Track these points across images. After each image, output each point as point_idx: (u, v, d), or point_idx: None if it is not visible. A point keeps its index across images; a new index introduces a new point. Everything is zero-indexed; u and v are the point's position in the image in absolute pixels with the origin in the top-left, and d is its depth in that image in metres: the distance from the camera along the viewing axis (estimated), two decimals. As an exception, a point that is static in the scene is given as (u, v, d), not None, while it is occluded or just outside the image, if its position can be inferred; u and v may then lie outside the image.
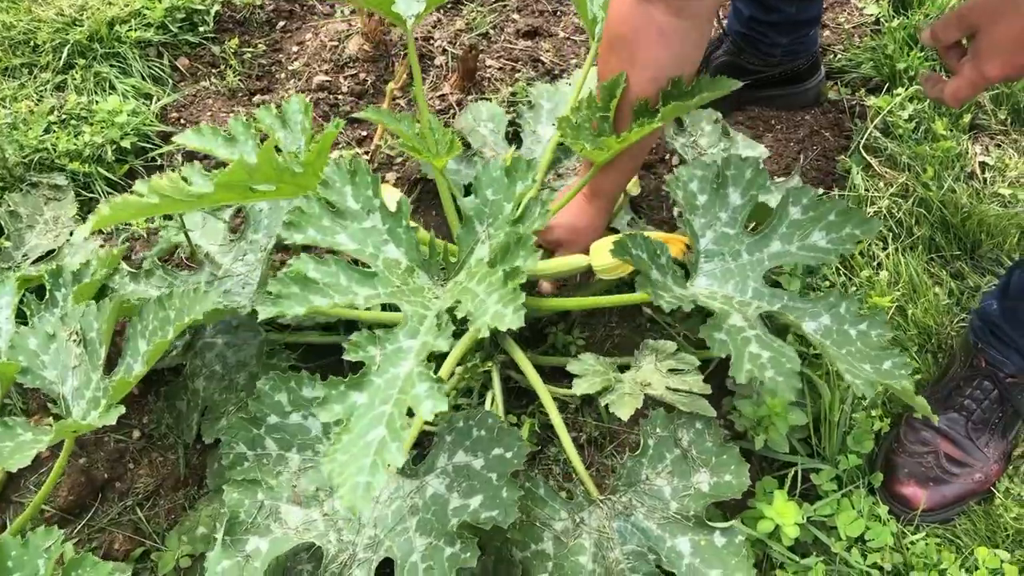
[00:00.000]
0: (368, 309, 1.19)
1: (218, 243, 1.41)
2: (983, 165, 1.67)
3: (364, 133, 1.82)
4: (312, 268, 1.01)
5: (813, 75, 1.79)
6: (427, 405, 0.87)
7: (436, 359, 1.41)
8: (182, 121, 1.82)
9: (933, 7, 1.87)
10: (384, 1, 1.34)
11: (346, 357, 0.94)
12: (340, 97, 1.89)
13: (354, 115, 1.57)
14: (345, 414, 0.91)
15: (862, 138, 1.70)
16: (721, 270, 1.18)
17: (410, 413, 0.88)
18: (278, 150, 1.26)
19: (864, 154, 1.68)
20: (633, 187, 1.58)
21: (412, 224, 1.12)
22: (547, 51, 1.99)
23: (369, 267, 1.07)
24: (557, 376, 1.37)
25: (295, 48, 1.99)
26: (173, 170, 1.73)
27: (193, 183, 1.11)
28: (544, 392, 1.31)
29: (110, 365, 1.22)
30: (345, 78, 1.92)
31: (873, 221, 1.15)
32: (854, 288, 1.52)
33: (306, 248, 1.38)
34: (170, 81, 1.87)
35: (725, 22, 1.78)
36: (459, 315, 0.96)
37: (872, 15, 1.91)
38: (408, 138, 1.38)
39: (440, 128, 1.41)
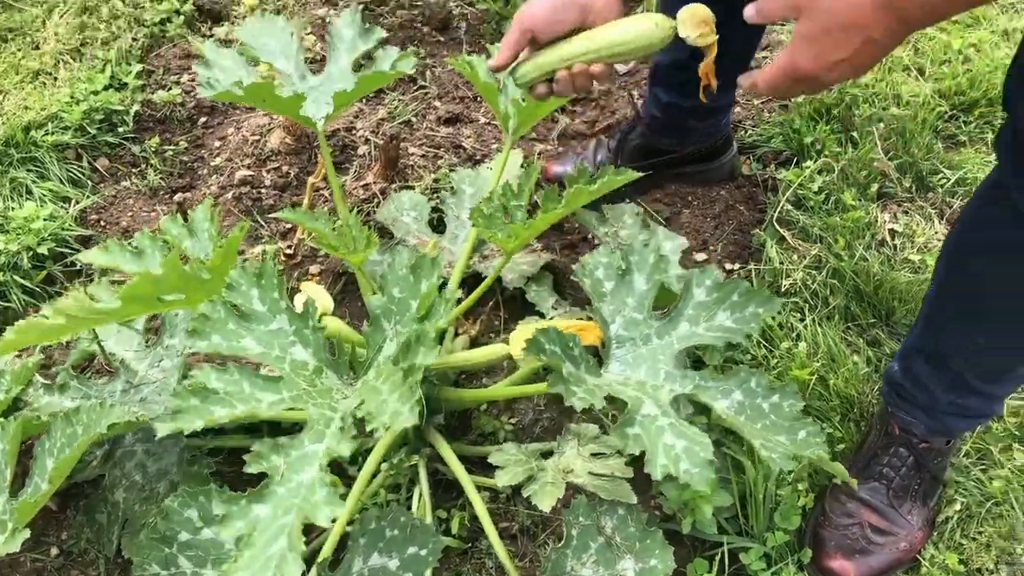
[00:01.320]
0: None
1: (133, 349, 1.39)
2: (892, 232, 1.72)
3: (288, 226, 1.83)
4: (214, 378, 0.99)
5: (727, 151, 1.84)
6: (324, 512, 0.86)
7: (362, 454, 1.40)
8: (102, 223, 1.81)
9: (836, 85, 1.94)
10: (291, 106, 1.36)
11: (248, 469, 0.92)
12: (263, 191, 1.89)
13: (273, 215, 1.57)
14: (248, 529, 0.89)
15: (775, 211, 1.74)
16: (633, 355, 1.19)
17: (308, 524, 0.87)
18: (186, 258, 1.26)
19: (777, 227, 1.72)
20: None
21: (320, 324, 1.11)
22: (468, 137, 2.02)
23: (276, 370, 1.07)
24: (486, 465, 1.36)
25: (217, 143, 2.00)
26: (91, 277, 1.72)
27: (99, 300, 1.10)
28: (469, 485, 1.30)
29: (19, 486, 1.19)
30: (268, 171, 1.93)
31: (774, 300, 1.17)
32: (775, 360, 1.54)
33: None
34: (89, 183, 1.86)
35: (640, 104, 1.82)
36: (359, 415, 0.96)
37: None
38: (325, 237, 1.38)
39: (357, 224, 1.43)
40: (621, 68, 2.19)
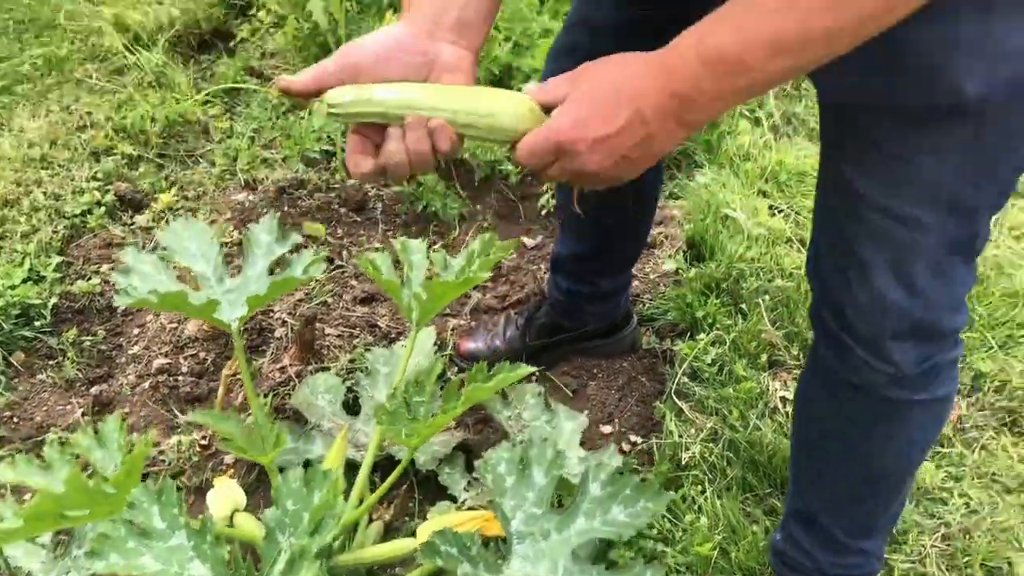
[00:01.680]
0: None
1: (40, 561, 1.39)
2: (783, 400, 1.83)
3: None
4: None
5: (627, 325, 1.95)
6: None
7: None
8: (15, 420, 1.81)
9: (723, 258, 2.09)
10: (206, 310, 1.42)
11: None
12: (180, 379, 1.93)
13: (183, 419, 1.61)
14: None
15: (672, 384, 1.84)
16: (533, 551, 1.24)
17: None
18: (91, 472, 1.29)
19: (676, 400, 1.82)
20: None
21: (218, 538, 1.14)
22: (383, 316, 2.10)
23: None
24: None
25: (135, 331, 2.04)
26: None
27: (3, 519, 1.12)
28: None
29: None
30: (185, 359, 1.97)
31: (663, 495, 1.25)
32: (680, 534, 1.60)
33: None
34: (3, 379, 1.87)
35: (546, 287, 1.93)
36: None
37: (671, 268, 2.11)
38: (234, 439, 1.43)
39: (267, 423, 1.47)
40: (529, 242, 2.31)
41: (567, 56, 1.39)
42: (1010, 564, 1.59)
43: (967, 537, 1.64)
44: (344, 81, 0.94)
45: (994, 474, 1.75)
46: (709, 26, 0.83)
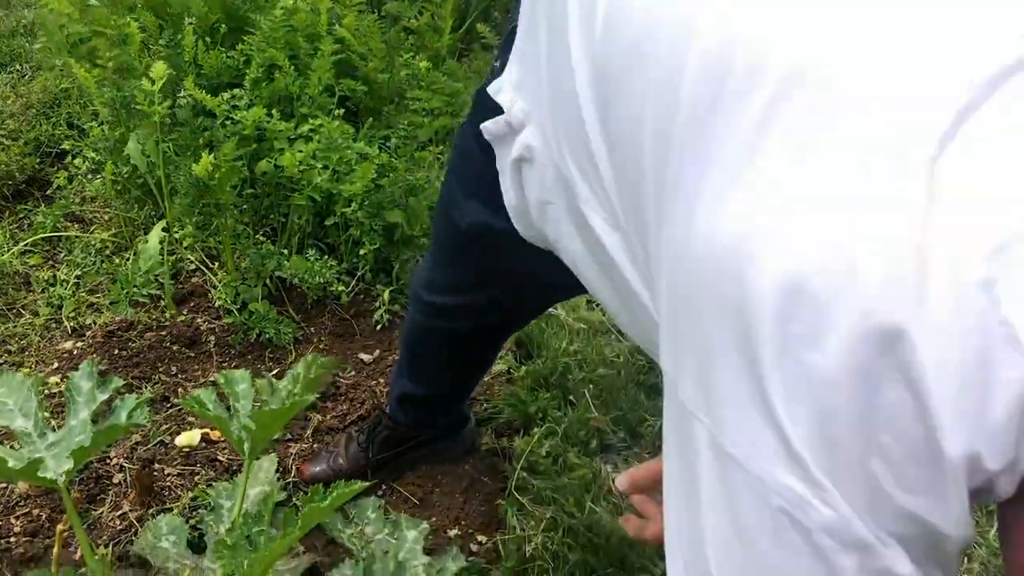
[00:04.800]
0: None
1: None
2: (615, 481, 1.94)
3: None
4: None
5: (466, 425, 2.03)
6: None
7: None
8: None
9: (549, 353, 2.22)
10: (29, 472, 1.41)
11: None
12: (13, 540, 1.86)
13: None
14: None
15: (512, 481, 1.93)
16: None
17: None
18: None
19: (517, 495, 1.90)
20: None
21: None
22: (224, 449, 2.10)
23: None
24: None
25: (-39, 497, 1.96)
26: None
27: None
28: None
29: None
30: (17, 518, 1.91)
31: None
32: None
33: None
34: None
35: (387, 405, 1.98)
36: None
37: (504, 368, 2.22)
38: (69, 596, 1.40)
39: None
40: (366, 358, 2.38)
41: None
42: None
43: None
44: None
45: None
46: None
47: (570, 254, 1.03)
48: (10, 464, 1.35)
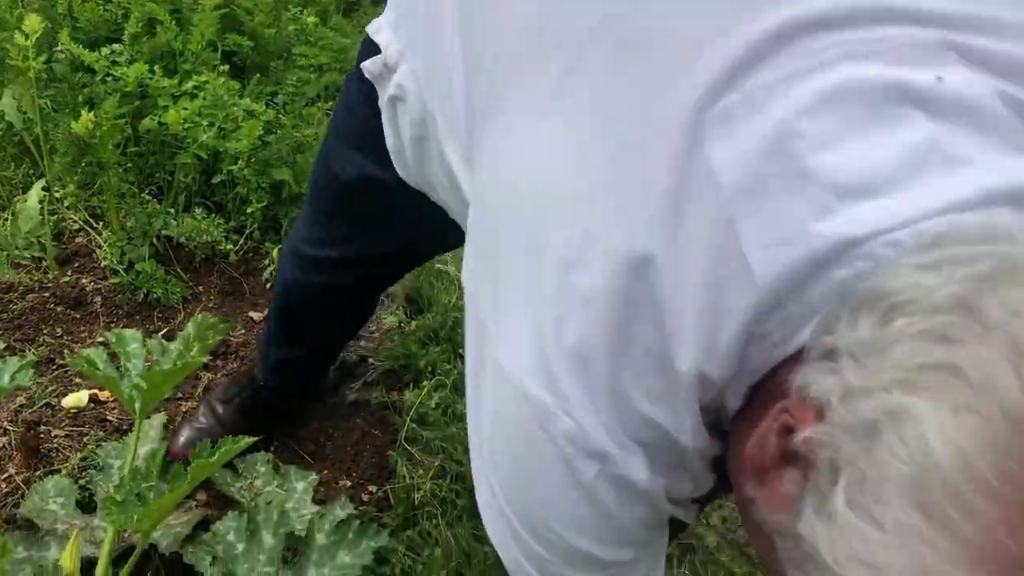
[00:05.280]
0: None
1: None
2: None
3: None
4: None
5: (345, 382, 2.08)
6: None
7: None
8: None
9: (439, 309, 2.28)
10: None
11: None
12: None
13: None
14: None
15: (402, 432, 1.99)
16: (269, 607, 1.34)
17: None
18: None
19: (407, 446, 1.97)
20: None
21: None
22: (113, 409, 2.10)
23: None
24: None
25: None
26: None
27: None
28: None
29: None
30: None
31: (382, 533, 1.39)
32: (420, 567, 1.74)
33: None
34: None
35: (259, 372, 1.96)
36: None
37: (394, 323, 2.27)
38: (-46, 555, 1.41)
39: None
40: (257, 316, 2.39)
41: None
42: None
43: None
44: None
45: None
46: None
47: (440, 194, 1.09)
48: None
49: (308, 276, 1.54)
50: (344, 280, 1.53)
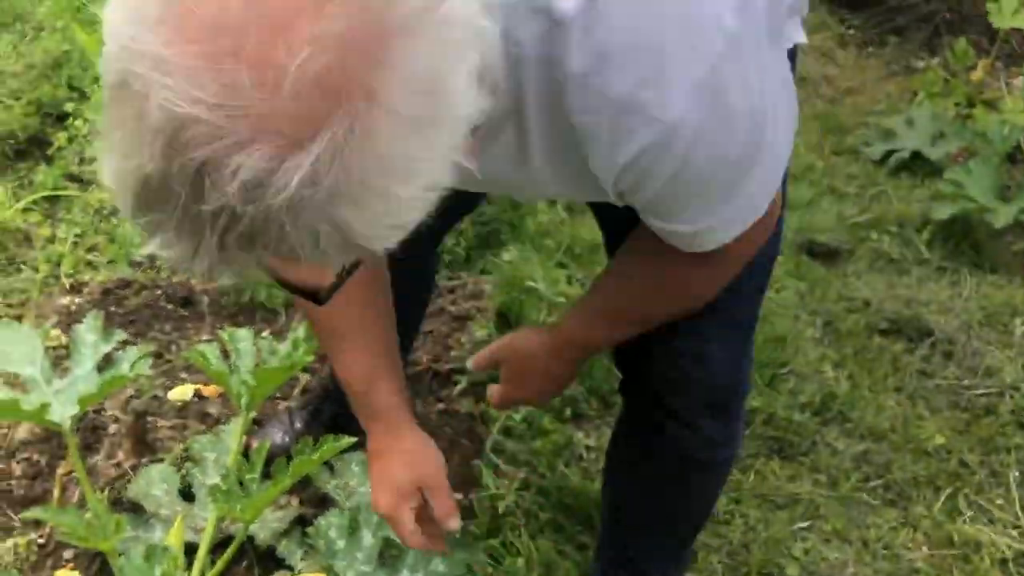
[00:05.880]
0: None
1: None
2: (587, 448, 2.06)
3: (40, 514, 1.90)
4: None
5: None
6: None
7: None
8: None
9: (528, 324, 2.33)
10: (38, 414, 1.51)
11: None
12: (14, 482, 1.97)
13: (22, 516, 1.67)
14: None
15: (488, 443, 2.04)
16: (367, 604, 1.40)
17: None
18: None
19: (493, 456, 2.02)
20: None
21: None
22: (215, 403, 2.21)
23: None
24: None
25: (-39, 444, 2.06)
26: None
27: None
28: None
29: None
30: (18, 463, 2.01)
31: (477, 545, 1.44)
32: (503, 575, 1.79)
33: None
34: None
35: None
36: None
37: (484, 336, 2.33)
38: (75, 530, 1.51)
39: (105, 512, 1.56)
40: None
41: None
42: (780, 568, 1.86)
43: (747, 551, 1.91)
44: None
45: (766, 494, 2.04)
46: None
47: None
48: (23, 406, 1.45)
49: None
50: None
